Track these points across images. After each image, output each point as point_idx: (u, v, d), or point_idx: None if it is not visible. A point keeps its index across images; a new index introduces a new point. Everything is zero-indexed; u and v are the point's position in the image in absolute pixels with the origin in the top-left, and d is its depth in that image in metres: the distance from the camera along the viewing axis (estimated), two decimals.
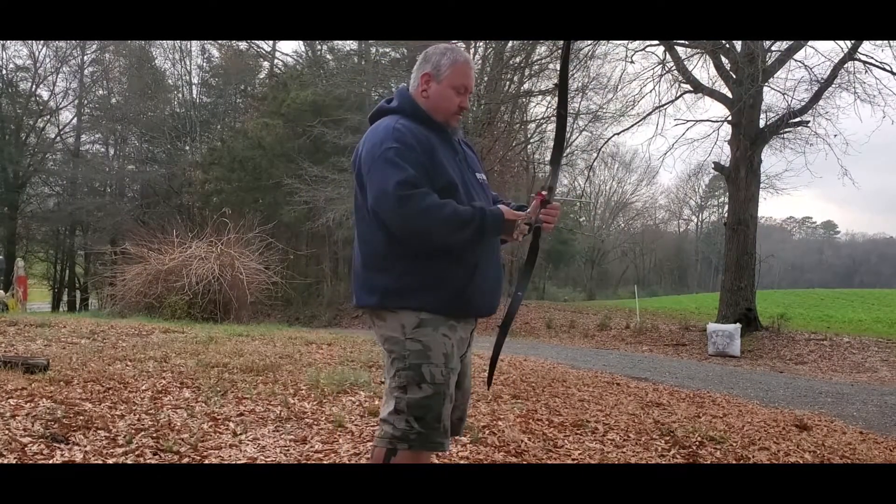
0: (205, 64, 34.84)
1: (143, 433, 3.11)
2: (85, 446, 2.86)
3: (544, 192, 2.04)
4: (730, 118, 14.22)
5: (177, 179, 29.84)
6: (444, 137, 2.02)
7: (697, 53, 14.43)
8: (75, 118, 32.99)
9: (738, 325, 12.09)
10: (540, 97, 20.55)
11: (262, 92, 30.23)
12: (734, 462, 3.67)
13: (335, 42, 27.47)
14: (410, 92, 2.06)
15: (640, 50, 14.49)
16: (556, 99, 2.40)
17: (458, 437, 3.40)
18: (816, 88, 13.36)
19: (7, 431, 2.83)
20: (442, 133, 2.03)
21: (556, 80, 18.24)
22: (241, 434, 3.29)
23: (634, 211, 45.24)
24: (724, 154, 15.30)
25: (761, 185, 14.71)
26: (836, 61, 13.06)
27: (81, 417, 3.20)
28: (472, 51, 18.52)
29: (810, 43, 13.23)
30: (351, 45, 27.15)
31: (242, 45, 30.84)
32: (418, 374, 1.88)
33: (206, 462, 2.89)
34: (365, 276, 1.97)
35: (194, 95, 34.69)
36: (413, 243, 1.88)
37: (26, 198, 31.45)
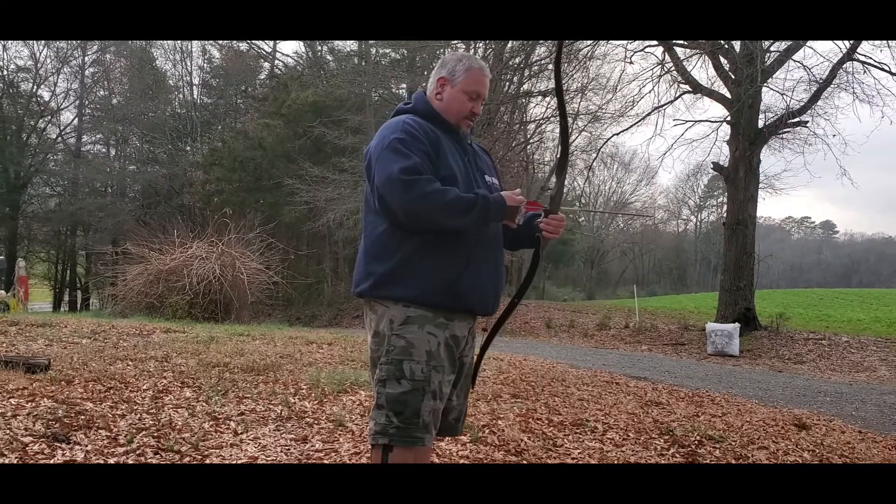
0: (205, 65, 34.97)
1: (144, 433, 3.11)
2: (86, 446, 2.87)
3: (539, 202, 2.09)
4: (729, 118, 14.21)
5: (178, 180, 29.88)
6: (453, 137, 2.08)
7: (696, 54, 14.43)
8: (76, 119, 33.10)
9: (737, 325, 12.08)
10: (539, 98, 20.55)
11: (262, 92, 30.27)
12: (733, 461, 3.68)
13: (335, 42, 27.56)
14: (426, 95, 2.13)
15: (640, 51, 14.51)
16: (556, 101, 2.45)
17: (458, 437, 3.42)
18: (815, 89, 13.36)
19: (8, 431, 2.84)
20: (452, 134, 2.08)
21: (554, 82, 18.22)
22: (241, 433, 3.30)
23: (633, 211, 45.27)
24: (723, 154, 15.33)
25: (760, 185, 14.71)
26: (835, 61, 13.08)
27: (83, 417, 3.21)
28: (472, 51, 18.51)
29: (809, 43, 13.26)
30: (351, 45, 27.21)
31: (243, 45, 30.90)
32: (399, 369, 1.91)
33: (207, 461, 2.90)
34: (364, 263, 2.02)
35: (195, 96, 34.76)
36: (417, 228, 1.92)
37: (28, 198, 31.54)
